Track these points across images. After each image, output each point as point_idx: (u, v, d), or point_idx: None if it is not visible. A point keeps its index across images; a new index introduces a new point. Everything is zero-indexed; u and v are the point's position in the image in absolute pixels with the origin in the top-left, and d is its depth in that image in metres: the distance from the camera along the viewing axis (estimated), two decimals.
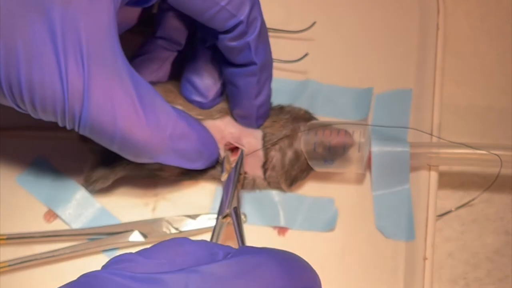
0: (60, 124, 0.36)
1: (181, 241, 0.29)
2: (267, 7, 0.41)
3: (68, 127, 0.36)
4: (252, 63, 0.40)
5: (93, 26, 0.34)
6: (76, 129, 0.36)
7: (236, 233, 0.41)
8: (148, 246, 0.44)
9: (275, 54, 0.43)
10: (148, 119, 0.37)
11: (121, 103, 0.35)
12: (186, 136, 0.40)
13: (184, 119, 0.40)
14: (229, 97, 0.44)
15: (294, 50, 0.49)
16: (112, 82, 0.35)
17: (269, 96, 0.43)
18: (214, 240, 0.41)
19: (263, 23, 0.40)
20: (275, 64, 0.44)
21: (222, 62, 0.42)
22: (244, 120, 0.44)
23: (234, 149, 0.45)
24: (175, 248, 0.29)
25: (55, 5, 0.33)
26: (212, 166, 0.44)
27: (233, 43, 0.39)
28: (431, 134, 0.46)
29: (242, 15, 0.38)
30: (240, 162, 0.43)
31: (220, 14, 0.38)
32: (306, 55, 0.48)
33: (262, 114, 0.44)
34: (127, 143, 0.37)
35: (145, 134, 0.37)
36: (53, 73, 0.33)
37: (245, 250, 0.29)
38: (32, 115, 0.36)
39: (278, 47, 0.45)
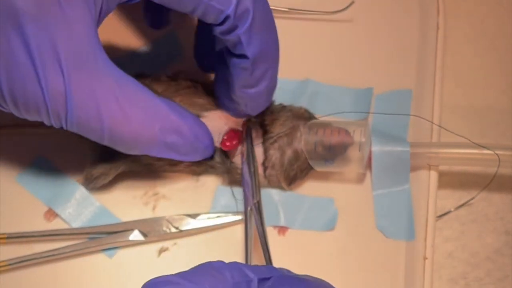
0: (47, 124, 0.37)
1: (218, 265, 0.32)
2: None
3: (56, 127, 0.37)
4: (244, 56, 0.40)
5: (69, 34, 0.35)
6: (65, 128, 0.37)
7: (259, 234, 0.42)
8: (148, 245, 0.44)
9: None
10: (134, 114, 0.37)
11: (105, 101, 0.36)
12: (178, 130, 0.40)
13: (177, 112, 0.40)
14: (226, 83, 0.43)
15: None
16: (94, 82, 0.36)
17: (268, 88, 0.42)
18: (248, 240, 0.42)
19: (259, 13, 0.39)
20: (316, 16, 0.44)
21: (224, 50, 0.41)
22: (233, 106, 0.43)
23: (233, 136, 0.44)
24: (214, 274, 0.32)
25: (28, 20, 0.34)
26: (211, 157, 0.44)
27: (225, 37, 0.39)
28: (432, 122, 0.46)
29: (229, 9, 0.38)
30: (251, 149, 0.43)
31: (208, 10, 0.38)
32: (352, 3, 0.49)
33: (258, 105, 0.43)
34: (116, 139, 0.38)
35: (132, 129, 0.38)
36: (32, 82, 0.35)
37: (281, 282, 0.32)
38: (20, 116, 0.37)
39: None
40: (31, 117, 0.37)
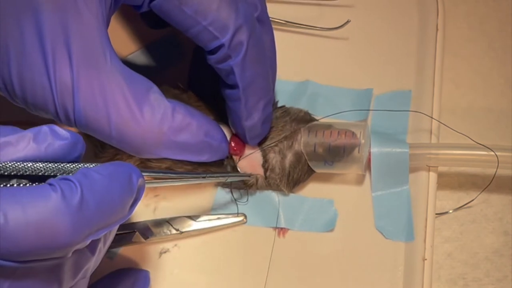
0: (58, 122, 0.36)
1: None
2: None
3: (67, 125, 0.37)
4: (236, 86, 0.40)
5: (81, 28, 0.35)
6: (74, 126, 0.37)
7: None
8: (148, 246, 0.45)
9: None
10: (143, 113, 0.37)
11: (113, 99, 0.36)
12: (186, 127, 0.39)
13: (183, 109, 0.39)
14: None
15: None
16: (103, 79, 0.36)
17: (262, 120, 0.42)
18: None
19: (253, 46, 0.39)
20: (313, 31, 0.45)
21: (218, 80, 0.42)
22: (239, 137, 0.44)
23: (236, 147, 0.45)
24: None
25: (44, 9, 0.34)
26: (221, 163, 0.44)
27: (218, 66, 0.40)
28: (431, 117, 0.47)
29: (224, 38, 0.38)
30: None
31: (203, 33, 0.38)
32: (348, 21, 0.49)
33: (255, 135, 0.43)
34: (124, 139, 0.37)
35: (141, 129, 0.37)
36: (41, 73, 0.35)
37: None
38: (30, 111, 0.37)
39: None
40: (41, 112, 0.36)
